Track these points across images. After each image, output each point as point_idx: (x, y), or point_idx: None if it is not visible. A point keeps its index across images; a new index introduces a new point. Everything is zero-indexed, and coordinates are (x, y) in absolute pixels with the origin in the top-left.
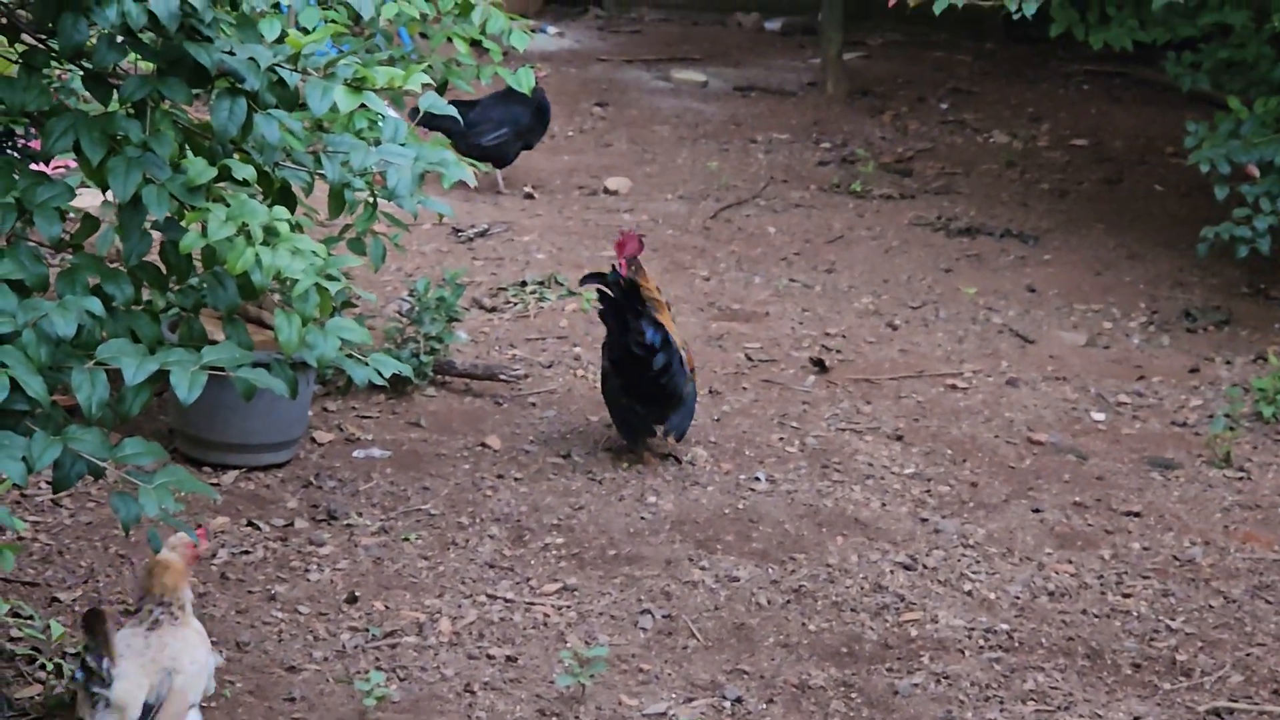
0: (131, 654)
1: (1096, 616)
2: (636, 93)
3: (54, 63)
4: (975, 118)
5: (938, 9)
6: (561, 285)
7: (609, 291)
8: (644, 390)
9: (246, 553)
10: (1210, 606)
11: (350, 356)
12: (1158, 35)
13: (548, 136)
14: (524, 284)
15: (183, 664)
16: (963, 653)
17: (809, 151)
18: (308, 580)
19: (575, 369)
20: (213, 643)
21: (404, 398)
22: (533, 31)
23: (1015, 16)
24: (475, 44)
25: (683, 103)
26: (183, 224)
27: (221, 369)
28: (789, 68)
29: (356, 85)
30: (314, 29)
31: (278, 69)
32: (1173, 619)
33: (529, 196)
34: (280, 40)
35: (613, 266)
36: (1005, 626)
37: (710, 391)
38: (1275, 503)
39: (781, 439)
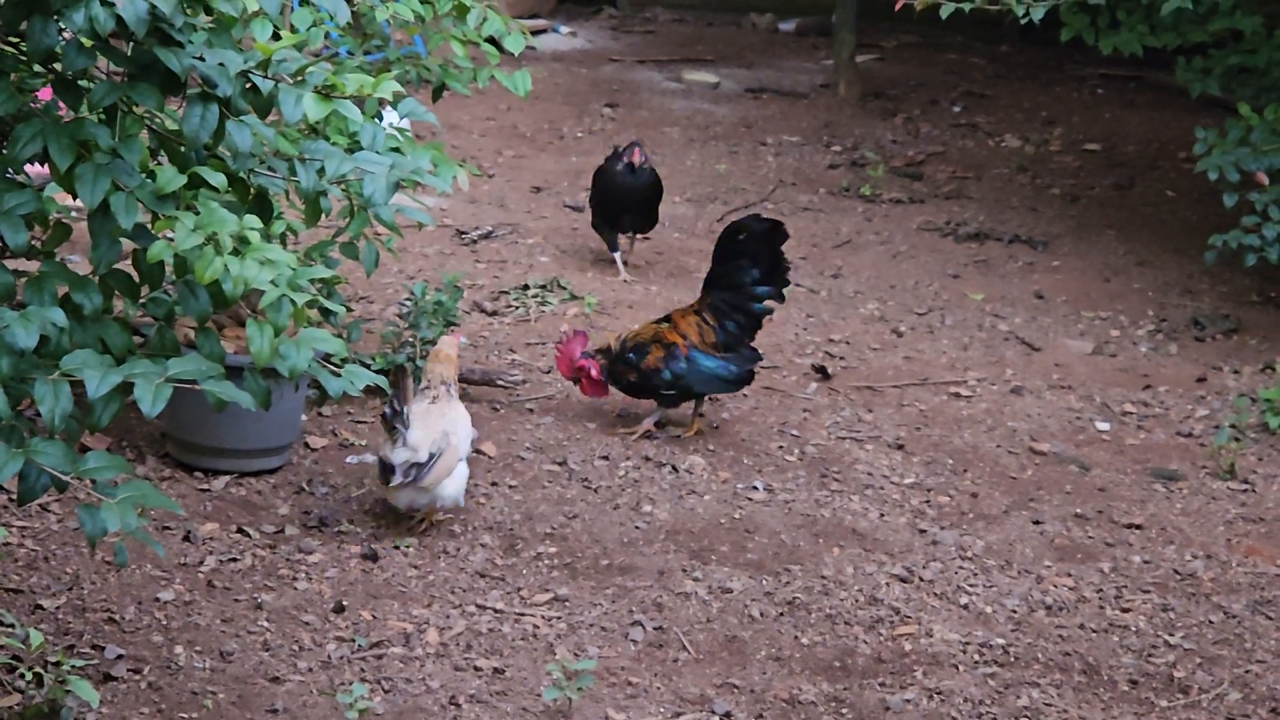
0: (420, 416)
1: (1094, 631)
2: (647, 94)
3: (22, 67)
4: (987, 121)
5: (944, 13)
6: (564, 289)
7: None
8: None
9: (235, 560)
10: (1210, 622)
11: (328, 367)
12: (1168, 40)
13: (556, 137)
14: (526, 287)
15: (457, 428)
16: (957, 668)
17: (819, 154)
18: (295, 589)
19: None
20: (196, 651)
21: None
22: (545, 32)
23: (1024, 21)
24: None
25: (693, 104)
26: (154, 231)
27: (190, 381)
28: (801, 69)
29: (327, 92)
30: (306, 30)
31: (250, 74)
32: (1171, 634)
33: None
34: (275, 38)
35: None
36: (1001, 641)
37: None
38: (1279, 515)
39: (781, 447)
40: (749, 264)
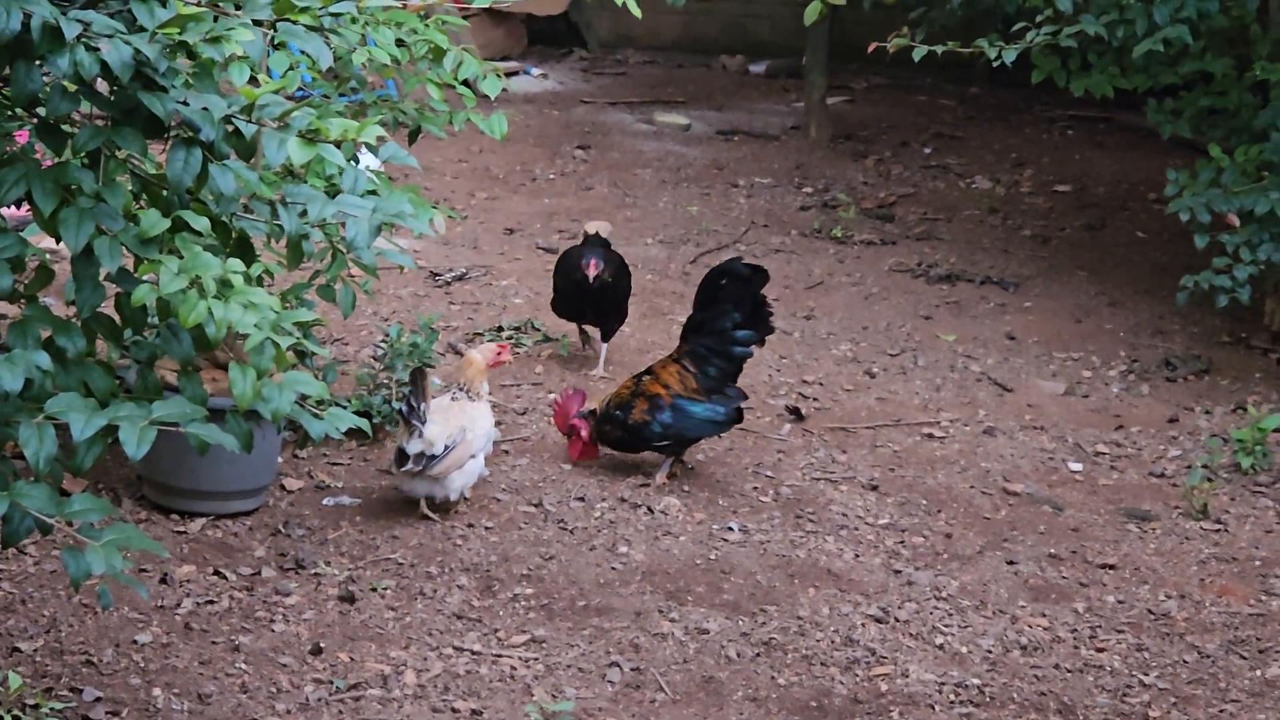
0: (439, 411)
1: (1069, 671)
2: (619, 135)
3: (6, 111)
4: (958, 163)
5: (916, 56)
6: (538, 330)
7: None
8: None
9: (212, 602)
10: (1184, 661)
11: (308, 410)
12: (1139, 82)
13: (528, 179)
14: (500, 329)
15: (474, 426)
16: (933, 708)
17: (790, 196)
18: (273, 631)
19: (549, 416)
20: (174, 694)
21: (375, 444)
22: (517, 74)
23: (995, 64)
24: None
25: (665, 146)
26: (137, 275)
27: (174, 423)
28: (772, 111)
29: (311, 137)
30: (283, 74)
31: (233, 119)
32: (1146, 674)
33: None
34: (253, 82)
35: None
36: (976, 681)
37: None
38: (1252, 555)
39: (756, 488)
40: (730, 308)
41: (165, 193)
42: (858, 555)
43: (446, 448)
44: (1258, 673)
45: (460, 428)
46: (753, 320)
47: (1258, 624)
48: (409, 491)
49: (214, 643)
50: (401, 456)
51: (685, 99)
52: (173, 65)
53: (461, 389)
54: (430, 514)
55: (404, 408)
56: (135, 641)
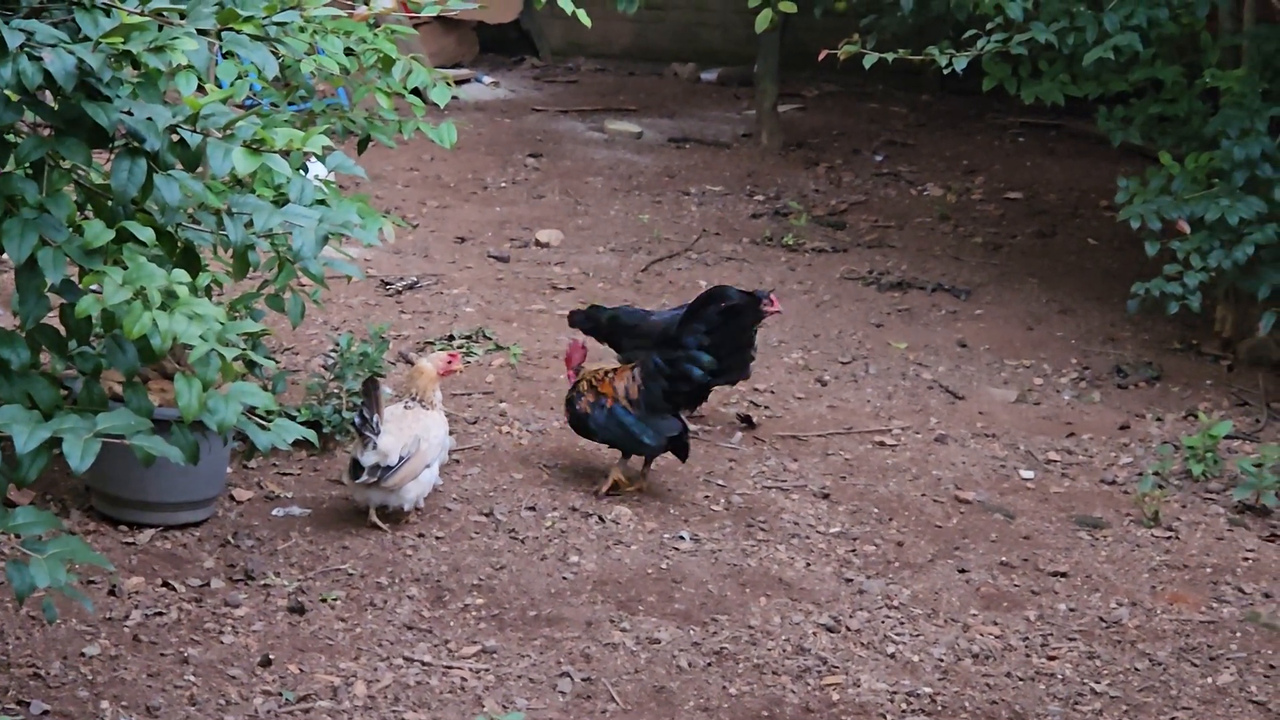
0: (394, 421)
1: (1021, 680)
2: (571, 144)
3: None
4: (909, 170)
5: (867, 63)
6: (489, 339)
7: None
8: (690, 398)
9: (160, 614)
10: (1136, 669)
11: (255, 421)
12: (1089, 90)
13: (480, 187)
14: (451, 338)
15: (428, 435)
16: (884, 717)
17: (742, 204)
18: (222, 643)
19: (500, 425)
20: (122, 706)
21: (325, 454)
22: (468, 81)
23: (946, 71)
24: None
25: (617, 154)
26: (82, 286)
27: (119, 435)
28: (724, 119)
29: (256, 147)
30: (231, 83)
31: (178, 129)
32: (1098, 682)
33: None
34: (200, 91)
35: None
36: (928, 690)
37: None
38: (1203, 563)
39: (707, 497)
40: (701, 327)
41: (110, 203)
42: (809, 564)
43: (401, 459)
44: (1209, 680)
45: (414, 437)
46: (724, 349)
47: (1209, 631)
48: (363, 501)
49: (163, 655)
50: (356, 468)
51: (637, 107)
52: (117, 75)
53: (414, 398)
54: (380, 524)
55: (357, 419)
56: (83, 654)
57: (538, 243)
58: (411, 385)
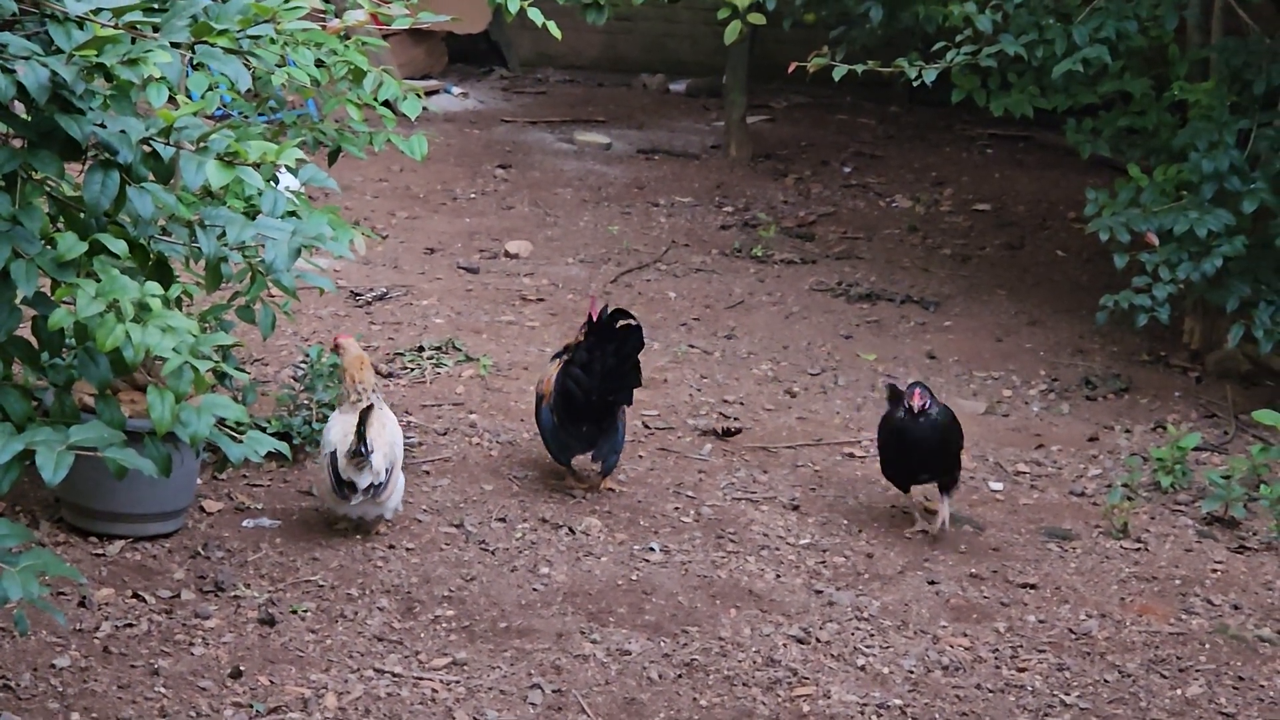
0: (376, 435)
1: (991, 691)
2: (540, 155)
3: None
4: (878, 182)
5: (837, 75)
6: (459, 350)
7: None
8: (590, 414)
9: (130, 625)
10: (1105, 681)
11: (228, 433)
12: (1058, 102)
13: (449, 198)
14: (421, 349)
15: (398, 441)
16: None
17: (711, 215)
18: (192, 654)
19: (470, 436)
20: (93, 718)
21: (296, 465)
22: (437, 92)
23: (915, 83)
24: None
25: (586, 165)
26: (54, 298)
27: (92, 448)
28: (693, 130)
29: (230, 159)
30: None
31: (151, 141)
32: (1068, 694)
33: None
34: (171, 104)
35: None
36: (898, 702)
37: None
38: (1172, 574)
39: (677, 508)
40: (590, 342)
41: (83, 215)
42: (779, 575)
43: (387, 471)
44: (1178, 691)
45: (389, 443)
46: (603, 367)
47: (1178, 643)
48: (345, 514)
49: (133, 666)
50: (349, 488)
51: (606, 118)
52: (90, 87)
53: (360, 390)
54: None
55: (362, 449)
56: (53, 665)
57: (507, 254)
58: (356, 375)
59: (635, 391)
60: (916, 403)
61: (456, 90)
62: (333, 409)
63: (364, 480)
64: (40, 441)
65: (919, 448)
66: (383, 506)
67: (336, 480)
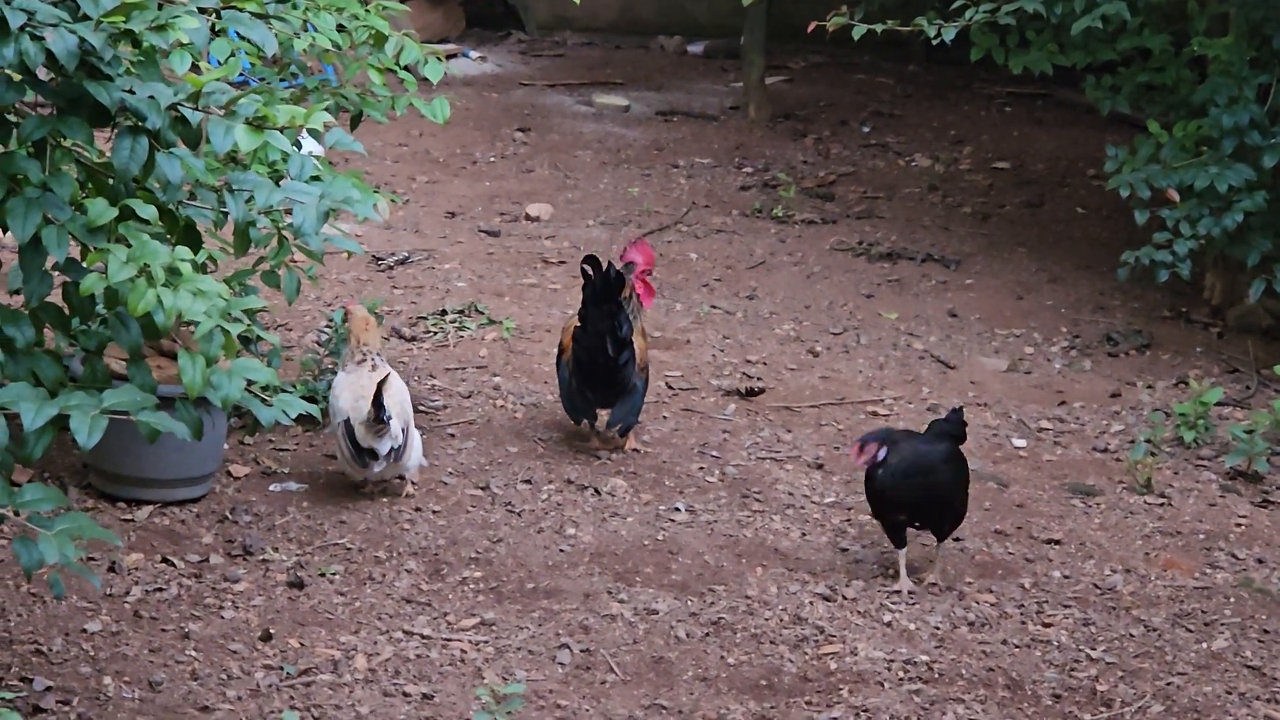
0: (392, 399)
1: (1017, 647)
2: (559, 117)
3: None
4: (897, 141)
5: (856, 34)
6: (482, 314)
7: (590, 273)
8: (598, 376)
9: (160, 590)
10: (1131, 635)
11: (257, 396)
12: (1077, 59)
13: (469, 162)
14: (444, 313)
15: (406, 399)
16: (882, 685)
17: (731, 176)
18: (222, 618)
19: (495, 399)
20: (125, 682)
21: (321, 429)
22: (455, 56)
23: (934, 42)
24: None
25: (605, 127)
26: (85, 264)
27: (124, 412)
28: (711, 92)
29: (258, 124)
30: (225, 61)
31: (179, 107)
32: (1093, 648)
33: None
34: (194, 70)
35: (609, 262)
36: (925, 658)
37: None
38: (1196, 529)
39: (702, 469)
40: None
41: (112, 181)
42: (804, 534)
43: (404, 431)
44: (1204, 645)
45: (399, 403)
46: (598, 327)
47: (1203, 597)
48: (367, 476)
49: (163, 630)
50: (372, 454)
51: (624, 80)
52: (117, 54)
53: (366, 353)
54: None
55: (384, 417)
56: (85, 630)
57: (528, 217)
58: (363, 337)
59: (658, 352)
60: (856, 460)
61: (474, 54)
62: None
63: (384, 446)
64: (74, 406)
65: (884, 498)
66: (403, 467)
67: (355, 449)
